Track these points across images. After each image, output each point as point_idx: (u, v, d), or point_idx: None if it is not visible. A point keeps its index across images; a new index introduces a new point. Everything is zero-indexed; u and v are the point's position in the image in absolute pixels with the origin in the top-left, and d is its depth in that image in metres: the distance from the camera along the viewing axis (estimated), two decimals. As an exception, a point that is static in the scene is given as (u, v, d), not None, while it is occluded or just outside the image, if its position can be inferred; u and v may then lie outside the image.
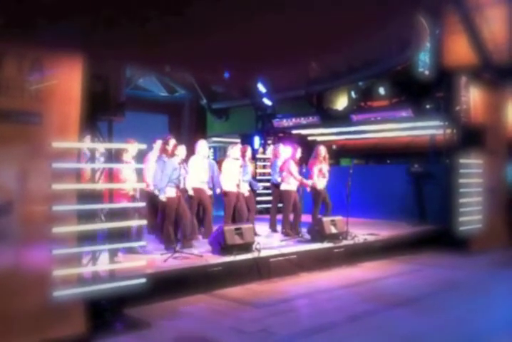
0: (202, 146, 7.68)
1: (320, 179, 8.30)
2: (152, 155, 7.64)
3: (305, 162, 8.50)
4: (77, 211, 4.30)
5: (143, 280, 4.72)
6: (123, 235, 4.84)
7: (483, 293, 5.91)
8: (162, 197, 6.60)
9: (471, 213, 8.83)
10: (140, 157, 7.07)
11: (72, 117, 4.25)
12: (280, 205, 8.66)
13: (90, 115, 4.41)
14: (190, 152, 7.39)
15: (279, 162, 8.54)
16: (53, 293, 4.06)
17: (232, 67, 8.34)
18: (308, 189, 8.29)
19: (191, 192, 7.37)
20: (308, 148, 9.94)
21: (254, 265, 6.41)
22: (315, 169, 8.28)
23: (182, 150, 6.86)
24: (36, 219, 4.03)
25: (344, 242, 7.64)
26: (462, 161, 8.82)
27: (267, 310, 5.23)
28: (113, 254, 5.01)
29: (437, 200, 9.30)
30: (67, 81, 4.23)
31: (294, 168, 8.10)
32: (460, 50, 8.86)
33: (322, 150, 8.45)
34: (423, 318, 4.97)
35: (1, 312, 3.82)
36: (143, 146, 7.23)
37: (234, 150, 7.95)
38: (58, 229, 4.10)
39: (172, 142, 6.96)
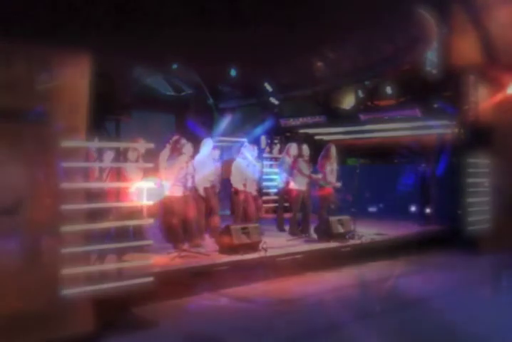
0: (207, 145, 7.68)
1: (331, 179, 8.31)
2: (162, 155, 7.64)
3: (314, 161, 8.50)
4: (85, 210, 4.32)
5: (150, 279, 4.73)
6: (130, 234, 4.86)
7: (494, 294, 5.87)
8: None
9: (480, 213, 8.77)
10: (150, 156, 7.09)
11: (80, 117, 4.27)
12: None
13: (97, 114, 4.42)
14: (197, 151, 7.40)
15: (287, 160, 8.54)
16: (61, 292, 4.08)
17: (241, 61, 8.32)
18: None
19: (201, 192, 7.35)
20: (315, 147, 9.91)
21: (260, 264, 6.41)
22: (327, 169, 8.28)
23: (189, 149, 6.87)
24: (45, 218, 4.05)
25: (351, 242, 7.62)
26: (470, 160, 8.76)
27: (273, 309, 5.22)
28: (120, 252, 5.02)
29: (445, 200, 9.25)
30: (75, 81, 4.24)
31: (303, 167, 8.10)
32: (468, 48, 8.80)
33: (333, 151, 8.43)
34: (434, 318, 4.94)
35: (8, 310, 3.84)
36: (151, 145, 7.24)
37: (245, 150, 7.99)
38: (67, 228, 4.12)
39: (183, 141, 6.96)
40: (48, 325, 4.02)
